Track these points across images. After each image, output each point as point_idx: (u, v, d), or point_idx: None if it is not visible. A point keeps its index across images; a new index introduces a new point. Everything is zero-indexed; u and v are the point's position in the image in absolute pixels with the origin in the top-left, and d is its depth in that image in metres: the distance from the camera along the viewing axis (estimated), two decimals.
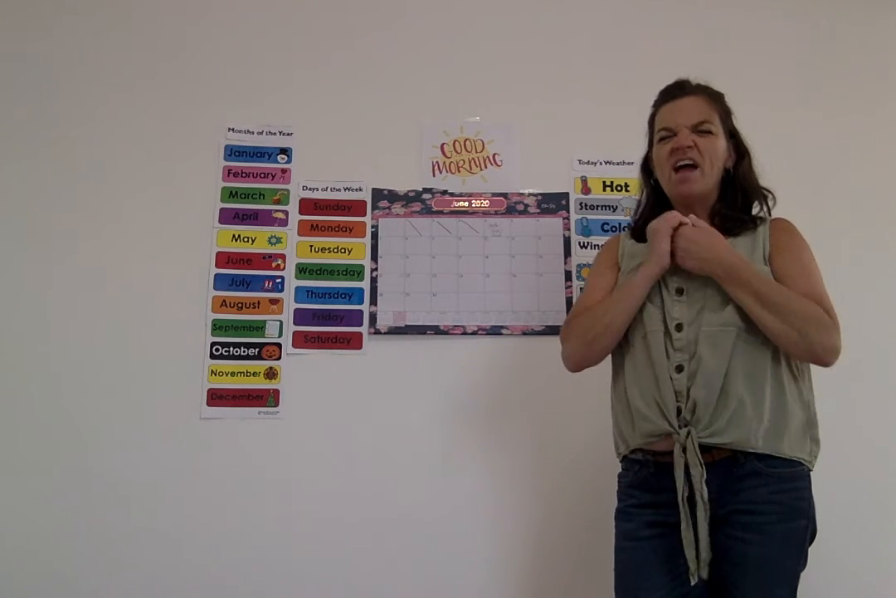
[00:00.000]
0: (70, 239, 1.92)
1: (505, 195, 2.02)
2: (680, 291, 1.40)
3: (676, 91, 1.50)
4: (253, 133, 2.02)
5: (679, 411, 1.32)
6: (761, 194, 1.50)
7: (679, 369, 1.34)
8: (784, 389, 1.33)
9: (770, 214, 1.51)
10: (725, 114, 1.49)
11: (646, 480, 1.38)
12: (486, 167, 2.04)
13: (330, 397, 1.87)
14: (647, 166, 1.57)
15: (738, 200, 1.48)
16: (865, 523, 1.86)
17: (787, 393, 1.33)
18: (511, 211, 2.00)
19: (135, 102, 2.01)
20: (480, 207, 2.00)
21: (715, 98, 1.49)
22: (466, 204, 2.00)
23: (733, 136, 1.49)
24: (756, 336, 1.33)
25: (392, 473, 1.84)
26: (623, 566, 1.39)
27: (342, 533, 1.80)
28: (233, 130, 2.02)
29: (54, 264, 1.90)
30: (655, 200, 1.56)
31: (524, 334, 1.93)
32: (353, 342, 1.90)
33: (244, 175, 2.00)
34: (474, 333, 1.92)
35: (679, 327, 1.37)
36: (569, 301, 1.94)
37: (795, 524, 1.24)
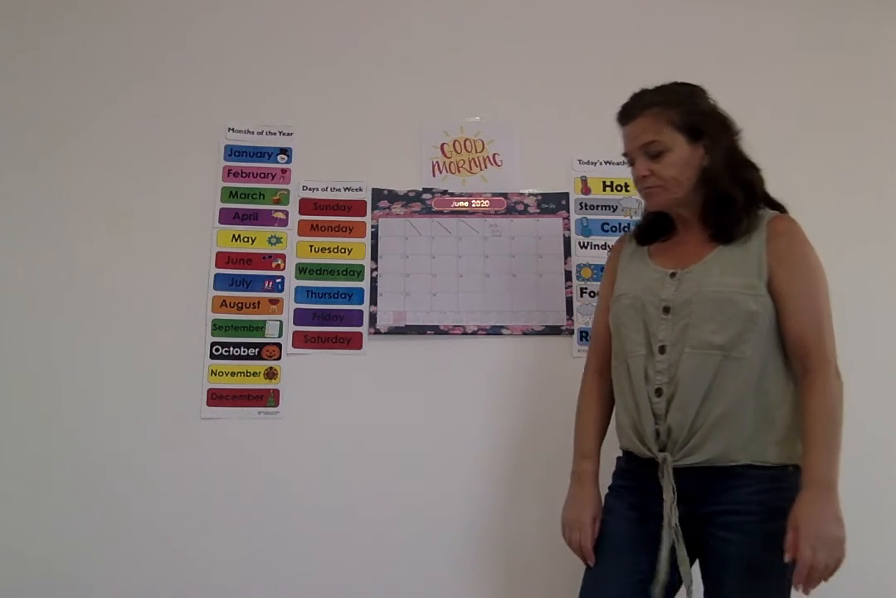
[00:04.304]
0: (70, 239, 1.92)
1: (505, 195, 2.02)
2: (666, 310, 1.39)
3: (623, 118, 1.47)
4: (253, 133, 2.02)
5: (658, 434, 1.36)
6: (740, 188, 1.41)
7: (658, 392, 1.36)
8: (771, 397, 1.34)
9: (761, 203, 1.44)
10: (682, 113, 1.40)
11: (633, 469, 1.44)
12: (486, 167, 2.04)
13: (330, 397, 1.87)
14: None
15: (717, 200, 1.42)
16: (867, 522, 1.85)
17: (776, 401, 1.34)
18: (511, 211, 2.00)
19: (134, 102, 2.01)
20: (480, 207, 2.00)
21: (664, 104, 1.41)
22: (466, 204, 2.00)
23: (700, 131, 1.41)
24: (742, 353, 1.33)
25: (392, 472, 1.84)
26: (601, 539, 1.42)
27: (342, 533, 1.80)
28: (233, 130, 2.02)
29: (54, 264, 1.90)
30: None
31: (524, 334, 1.93)
32: (353, 342, 1.90)
33: (244, 175, 2.00)
34: (474, 333, 1.92)
35: (662, 349, 1.37)
36: (568, 301, 1.94)
37: (777, 525, 1.24)
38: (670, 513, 1.30)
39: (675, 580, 1.35)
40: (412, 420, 1.87)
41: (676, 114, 1.41)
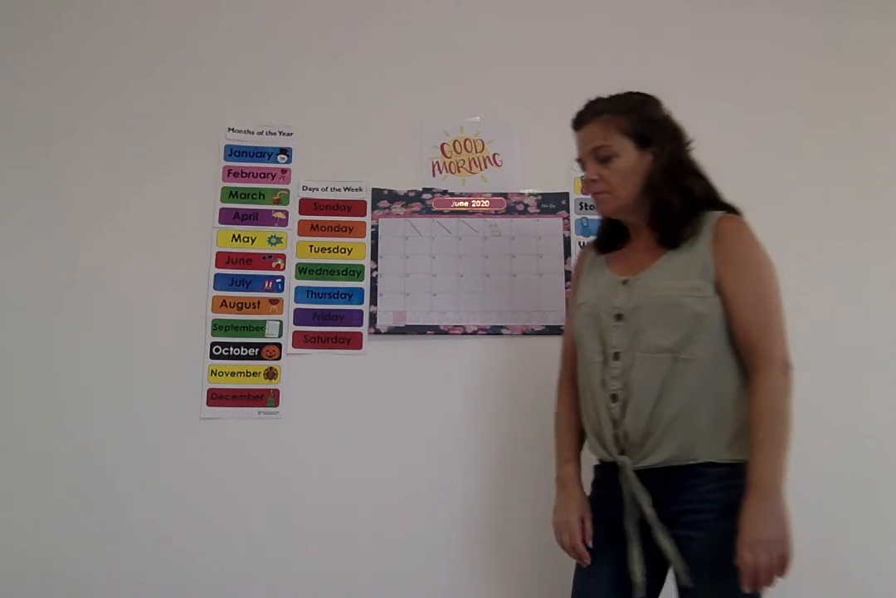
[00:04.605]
0: (70, 239, 1.92)
1: (505, 195, 2.02)
2: (619, 317, 1.41)
3: (575, 125, 1.50)
4: (253, 133, 2.02)
5: (617, 439, 1.38)
6: (677, 195, 1.41)
7: (614, 398, 1.39)
8: (725, 396, 1.35)
9: (705, 205, 1.43)
10: (632, 120, 1.43)
11: (603, 473, 1.48)
12: (486, 167, 2.04)
13: (330, 397, 1.87)
14: None
15: (658, 206, 1.42)
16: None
17: (730, 400, 1.35)
18: (511, 211, 2.00)
19: (134, 102, 2.01)
20: (480, 207, 2.00)
21: (614, 111, 1.44)
22: (466, 204, 2.00)
23: (649, 139, 1.43)
24: (691, 355, 1.34)
25: (392, 473, 1.84)
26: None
27: (342, 533, 1.80)
28: (233, 130, 2.02)
29: (54, 264, 1.90)
30: None
31: (524, 334, 1.93)
32: (353, 342, 1.90)
33: (244, 175, 2.00)
34: (474, 333, 1.92)
35: (616, 356, 1.40)
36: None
37: (734, 521, 1.25)
38: (651, 513, 1.32)
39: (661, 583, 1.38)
40: (412, 420, 1.87)
41: (626, 121, 1.44)
